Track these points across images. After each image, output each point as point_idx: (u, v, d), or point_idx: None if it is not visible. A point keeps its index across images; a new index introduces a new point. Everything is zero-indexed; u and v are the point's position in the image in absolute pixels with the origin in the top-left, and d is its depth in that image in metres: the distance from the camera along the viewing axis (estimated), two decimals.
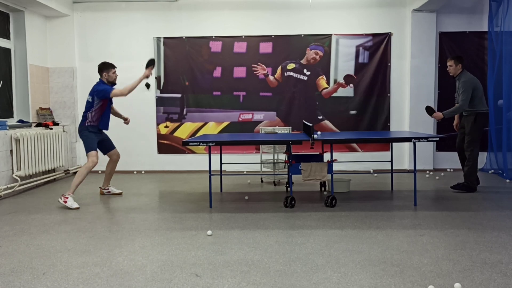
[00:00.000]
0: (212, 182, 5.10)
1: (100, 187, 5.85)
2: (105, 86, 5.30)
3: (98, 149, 5.39)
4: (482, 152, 7.41)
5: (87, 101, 5.36)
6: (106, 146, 5.64)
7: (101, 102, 5.30)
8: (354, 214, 4.55)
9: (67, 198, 5.01)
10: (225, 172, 7.25)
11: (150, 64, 5.33)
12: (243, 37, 7.51)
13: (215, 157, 6.96)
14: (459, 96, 5.67)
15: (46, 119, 7.05)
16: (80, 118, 7.58)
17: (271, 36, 7.50)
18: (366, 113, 7.50)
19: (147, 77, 5.26)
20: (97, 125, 5.37)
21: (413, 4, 7.22)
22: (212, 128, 7.62)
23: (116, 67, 5.47)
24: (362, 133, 5.73)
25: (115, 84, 5.48)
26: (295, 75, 7.52)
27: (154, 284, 2.83)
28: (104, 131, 5.55)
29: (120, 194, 5.77)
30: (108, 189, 5.77)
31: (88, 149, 5.28)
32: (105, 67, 5.38)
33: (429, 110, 5.80)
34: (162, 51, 7.55)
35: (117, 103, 7.57)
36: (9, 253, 3.49)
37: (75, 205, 4.98)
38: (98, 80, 5.43)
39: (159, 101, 7.61)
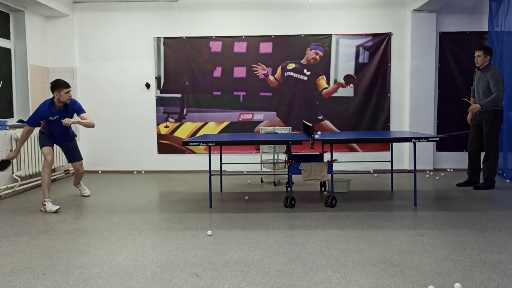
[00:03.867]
0: (212, 182, 5.10)
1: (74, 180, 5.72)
2: (39, 112, 5.01)
3: (51, 147, 5.15)
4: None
5: None
6: (70, 156, 5.46)
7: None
8: (354, 214, 4.55)
9: (45, 204, 4.91)
10: (225, 172, 7.25)
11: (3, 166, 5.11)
12: (243, 37, 7.51)
13: (215, 157, 6.96)
14: (480, 88, 5.71)
15: None
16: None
17: (271, 36, 7.50)
18: (366, 113, 7.50)
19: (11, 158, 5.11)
20: (49, 134, 5.20)
21: (413, 4, 7.22)
22: (212, 128, 7.62)
23: (70, 88, 5.07)
24: (362, 133, 5.73)
25: (66, 105, 5.10)
26: (295, 75, 7.52)
27: (154, 284, 2.83)
28: (75, 139, 5.49)
29: (87, 196, 5.67)
30: (77, 187, 5.69)
31: (40, 146, 5.13)
32: (56, 86, 4.99)
33: (465, 103, 5.89)
34: (162, 51, 7.55)
35: (116, 103, 7.59)
36: (9, 253, 3.49)
37: (55, 208, 4.86)
38: (51, 97, 5.10)
39: (159, 101, 7.61)
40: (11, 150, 5.81)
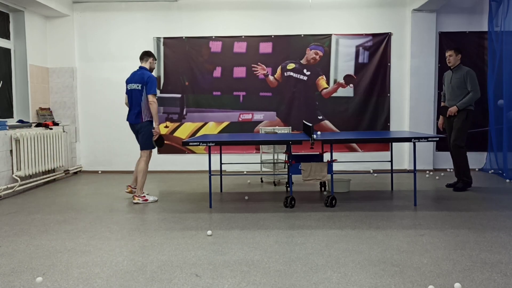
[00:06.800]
0: (212, 182, 5.10)
1: (128, 185, 5.48)
2: (155, 80, 5.18)
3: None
4: (482, 152, 7.43)
5: (135, 90, 5.16)
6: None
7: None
8: (354, 214, 4.55)
9: (144, 196, 5.19)
10: (225, 172, 7.24)
11: (160, 144, 5.32)
12: (243, 37, 7.51)
13: (215, 157, 6.96)
14: (453, 87, 5.67)
15: (46, 119, 7.05)
16: (80, 118, 7.63)
17: (271, 36, 7.50)
18: (366, 113, 7.50)
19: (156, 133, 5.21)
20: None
21: (413, 4, 7.22)
22: (212, 128, 7.62)
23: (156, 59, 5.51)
24: (362, 133, 5.73)
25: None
26: (295, 75, 7.52)
27: (154, 284, 2.83)
28: (134, 124, 5.30)
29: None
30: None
31: (151, 146, 5.24)
32: (149, 54, 5.32)
33: (443, 110, 5.82)
34: (162, 51, 7.55)
35: (116, 103, 7.59)
36: (9, 253, 3.49)
37: (155, 198, 5.27)
38: (140, 67, 5.28)
39: (159, 101, 7.59)
40: (10, 151, 5.81)
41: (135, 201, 5.18)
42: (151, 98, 5.10)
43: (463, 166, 5.70)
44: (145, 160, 5.21)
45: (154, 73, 7.55)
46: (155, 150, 7.53)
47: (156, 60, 5.50)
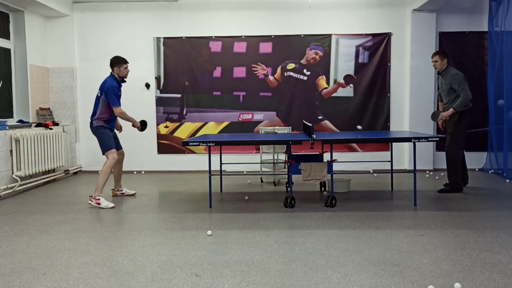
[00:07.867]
0: (212, 182, 5.10)
1: (112, 189, 5.68)
2: (115, 89, 5.15)
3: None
4: (482, 152, 7.43)
5: (97, 96, 5.25)
6: (117, 143, 5.48)
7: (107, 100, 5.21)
8: (354, 214, 4.55)
9: (99, 199, 5.02)
10: (225, 172, 7.24)
11: (143, 127, 5.57)
12: (243, 37, 7.51)
13: (215, 157, 6.96)
14: (444, 92, 5.57)
15: (46, 119, 7.05)
16: (80, 118, 7.63)
17: (271, 36, 7.50)
18: (366, 113, 7.50)
19: (136, 127, 5.50)
20: (107, 123, 5.27)
21: (413, 4, 7.22)
22: (212, 128, 7.62)
23: (128, 63, 5.34)
24: (362, 133, 5.73)
25: (125, 80, 5.37)
26: (295, 75, 7.52)
27: (154, 284, 2.83)
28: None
29: (133, 195, 5.68)
30: (121, 190, 5.65)
31: (107, 148, 5.18)
32: (116, 62, 5.25)
33: (435, 115, 5.71)
34: (162, 51, 7.55)
35: None
36: (9, 253, 3.49)
37: (111, 205, 4.99)
38: (109, 74, 5.30)
39: (159, 101, 7.61)
40: (10, 151, 5.81)
41: (89, 201, 5.10)
42: (115, 111, 5.20)
43: (456, 172, 5.52)
44: (106, 163, 5.15)
45: (154, 73, 7.58)
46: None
47: (126, 64, 5.30)
